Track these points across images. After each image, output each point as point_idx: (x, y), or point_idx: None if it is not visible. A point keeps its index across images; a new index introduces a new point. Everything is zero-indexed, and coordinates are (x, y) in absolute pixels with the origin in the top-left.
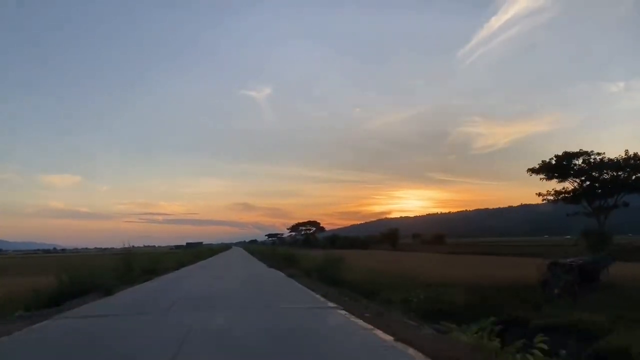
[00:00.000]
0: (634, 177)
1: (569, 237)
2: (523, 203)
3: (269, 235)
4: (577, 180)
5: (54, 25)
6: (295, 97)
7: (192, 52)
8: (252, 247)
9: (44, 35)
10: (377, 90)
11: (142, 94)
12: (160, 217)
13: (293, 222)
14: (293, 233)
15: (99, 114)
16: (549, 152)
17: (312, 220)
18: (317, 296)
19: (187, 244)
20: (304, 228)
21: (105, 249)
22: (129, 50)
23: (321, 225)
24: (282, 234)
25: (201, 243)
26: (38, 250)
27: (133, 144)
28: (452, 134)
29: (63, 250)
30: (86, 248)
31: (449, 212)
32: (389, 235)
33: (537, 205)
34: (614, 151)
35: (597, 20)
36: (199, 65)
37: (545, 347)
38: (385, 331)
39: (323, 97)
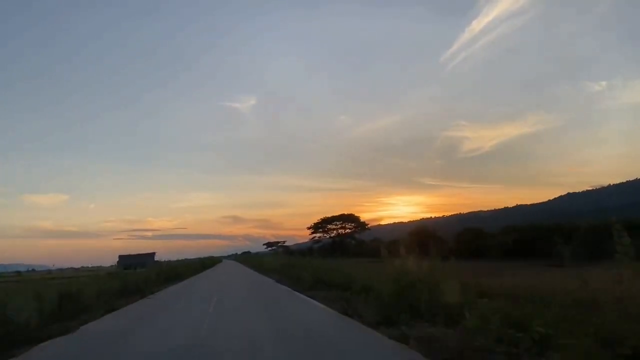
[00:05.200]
0: None
1: None
2: (519, 204)
3: (268, 245)
4: None
5: (37, 43)
6: (281, 107)
7: (176, 66)
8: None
9: (26, 53)
10: (362, 97)
11: (127, 109)
12: (149, 233)
13: (283, 232)
14: (316, 235)
15: (84, 131)
16: (535, 153)
17: (346, 213)
18: None
19: (121, 257)
20: (334, 226)
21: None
22: (113, 66)
23: (362, 221)
24: (284, 242)
25: (153, 254)
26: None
27: (119, 160)
28: (439, 139)
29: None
30: (72, 268)
31: (443, 216)
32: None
33: (532, 205)
34: (600, 150)
35: (577, 19)
36: (183, 78)
37: None
38: None
39: (308, 106)
